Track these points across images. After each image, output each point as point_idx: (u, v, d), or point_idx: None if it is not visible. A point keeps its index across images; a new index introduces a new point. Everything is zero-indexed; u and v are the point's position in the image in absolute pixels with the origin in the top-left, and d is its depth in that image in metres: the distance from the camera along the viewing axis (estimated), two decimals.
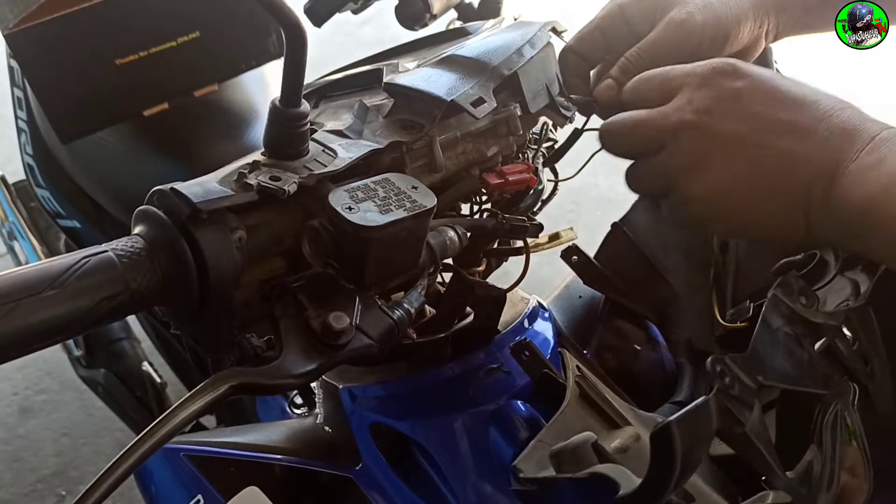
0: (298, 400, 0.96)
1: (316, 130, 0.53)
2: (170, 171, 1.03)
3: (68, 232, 1.24)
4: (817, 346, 0.46)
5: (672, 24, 0.61)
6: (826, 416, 0.47)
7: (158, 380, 1.29)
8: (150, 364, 1.35)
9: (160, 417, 0.40)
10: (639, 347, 0.72)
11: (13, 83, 1.20)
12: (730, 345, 0.67)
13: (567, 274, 0.77)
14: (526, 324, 0.68)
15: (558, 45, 0.64)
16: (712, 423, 0.41)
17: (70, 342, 1.47)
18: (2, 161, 1.83)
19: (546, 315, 0.69)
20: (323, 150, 0.50)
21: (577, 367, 0.55)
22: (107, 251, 0.42)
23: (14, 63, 1.17)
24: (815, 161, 0.48)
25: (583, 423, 0.52)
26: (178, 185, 0.44)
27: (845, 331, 0.49)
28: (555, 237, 0.67)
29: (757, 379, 0.43)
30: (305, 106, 0.48)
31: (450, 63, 0.57)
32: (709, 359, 0.42)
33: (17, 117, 1.23)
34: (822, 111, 0.49)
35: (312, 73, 0.54)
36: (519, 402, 0.61)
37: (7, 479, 1.72)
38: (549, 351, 0.67)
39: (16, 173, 1.50)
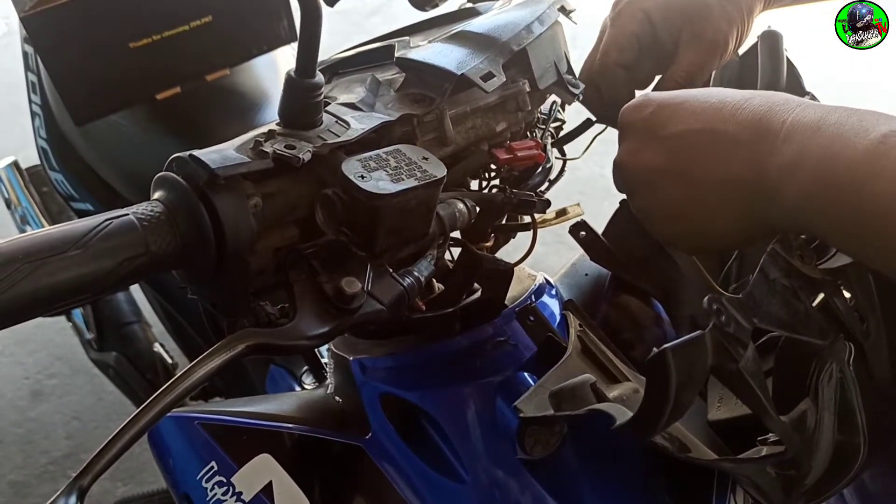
0: (308, 379, 0.98)
1: (329, 103, 0.54)
2: None
3: (81, 215, 1.25)
4: (814, 301, 0.46)
5: (712, 45, 0.64)
6: (822, 373, 0.48)
7: (170, 361, 1.31)
8: (162, 346, 1.36)
9: (181, 372, 0.42)
10: (643, 324, 0.73)
11: (27, 67, 1.22)
12: None
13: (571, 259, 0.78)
14: (533, 299, 0.69)
15: (566, 24, 0.65)
16: (707, 356, 0.42)
17: (81, 325, 1.49)
18: (14, 148, 1.85)
19: (553, 291, 0.70)
20: (336, 122, 0.51)
21: (580, 325, 0.56)
22: (128, 214, 0.44)
23: (29, 47, 1.19)
24: (735, 165, 0.48)
25: (583, 373, 0.53)
26: (197, 152, 0.46)
27: (844, 292, 0.50)
28: (562, 213, 0.68)
29: (752, 321, 0.43)
30: (320, 77, 0.49)
31: (460, 38, 0.58)
32: (706, 297, 0.43)
33: (31, 101, 1.25)
34: (729, 109, 0.48)
35: (319, 58, 0.55)
36: (525, 373, 0.63)
37: (19, 461, 1.74)
38: (555, 326, 0.68)
39: (28, 160, 1.52)
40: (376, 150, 0.50)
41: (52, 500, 0.39)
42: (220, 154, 0.46)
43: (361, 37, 0.68)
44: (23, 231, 1.55)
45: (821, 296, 0.50)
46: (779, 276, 0.45)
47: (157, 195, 0.46)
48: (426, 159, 0.50)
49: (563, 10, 0.63)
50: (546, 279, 0.71)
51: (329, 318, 0.48)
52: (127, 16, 0.96)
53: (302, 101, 0.49)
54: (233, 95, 1.10)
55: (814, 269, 0.47)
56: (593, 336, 0.57)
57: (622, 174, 0.55)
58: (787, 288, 0.45)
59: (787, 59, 0.68)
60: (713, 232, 0.51)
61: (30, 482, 1.71)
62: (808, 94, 0.66)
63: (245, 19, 1.03)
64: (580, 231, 0.69)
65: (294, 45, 1.05)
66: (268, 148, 0.47)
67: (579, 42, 0.98)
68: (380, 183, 0.47)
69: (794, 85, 0.67)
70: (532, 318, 0.60)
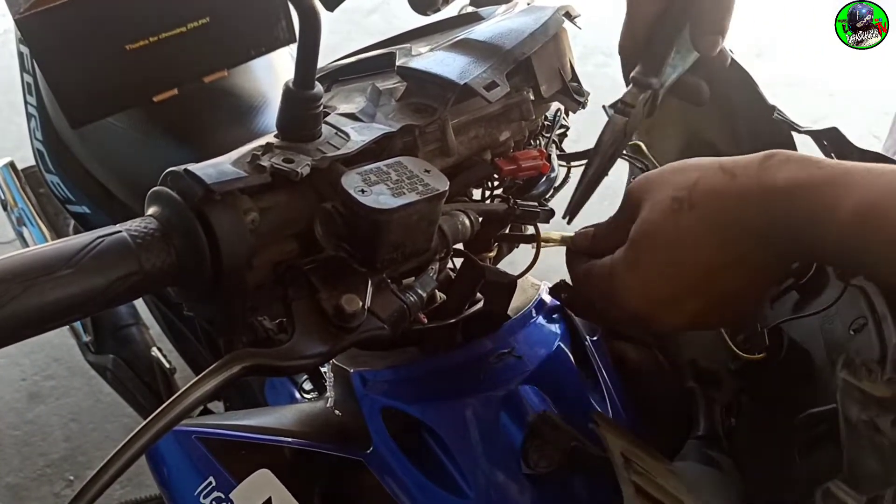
0: (308, 386, 0.96)
1: (329, 113, 0.52)
2: (179, 157, 1.02)
3: (78, 217, 1.24)
4: (890, 421, 0.45)
5: None
6: None
7: (167, 365, 1.30)
8: (160, 349, 1.35)
9: (176, 395, 0.41)
10: (641, 369, 0.71)
11: (23, 69, 1.20)
12: (743, 376, 0.66)
13: None
14: (535, 312, 0.68)
15: (571, 30, 0.63)
16: None
17: (79, 328, 1.47)
18: (11, 148, 1.84)
19: (556, 301, 0.69)
20: (336, 133, 0.50)
21: (623, 454, 0.53)
22: (121, 231, 0.42)
23: (24, 49, 1.17)
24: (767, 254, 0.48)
25: None
26: (192, 167, 0.44)
27: None
28: (569, 239, 0.67)
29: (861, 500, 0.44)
30: (319, 88, 0.48)
31: (463, 47, 0.56)
32: (817, 492, 0.43)
33: (26, 103, 1.23)
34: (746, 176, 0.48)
35: (319, 61, 0.53)
36: (529, 386, 0.61)
37: (16, 464, 1.73)
38: (560, 337, 0.67)
39: (24, 160, 1.51)
40: (377, 162, 0.49)
41: None
42: (216, 168, 0.44)
43: (360, 35, 0.66)
44: (19, 232, 1.54)
45: None
46: (857, 411, 0.45)
47: (150, 211, 0.45)
48: (428, 172, 0.49)
49: (567, 15, 0.62)
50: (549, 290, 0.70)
51: (328, 338, 0.46)
52: (123, 17, 0.95)
53: (300, 113, 0.48)
54: (231, 97, 1.09)
55: (881, 385, 0.46)
56: (640, 465, 0.54)
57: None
58: (869, 424, 0.45)
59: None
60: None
61: (27, 485, 1.69)
62: (773, 107, 0.64)
63: (243, 21, 1.02)
64: (562, 293, 0.65)
65: (292, 47, 1.04)
66: (265, 162, 0.45)
67: (578, 41, 0.97)
68: (380, 197, 0.46)
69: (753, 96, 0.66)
70: (550, 424, 0.59)
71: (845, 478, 0.45)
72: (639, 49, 0.61)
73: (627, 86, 0.61)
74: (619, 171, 0.68)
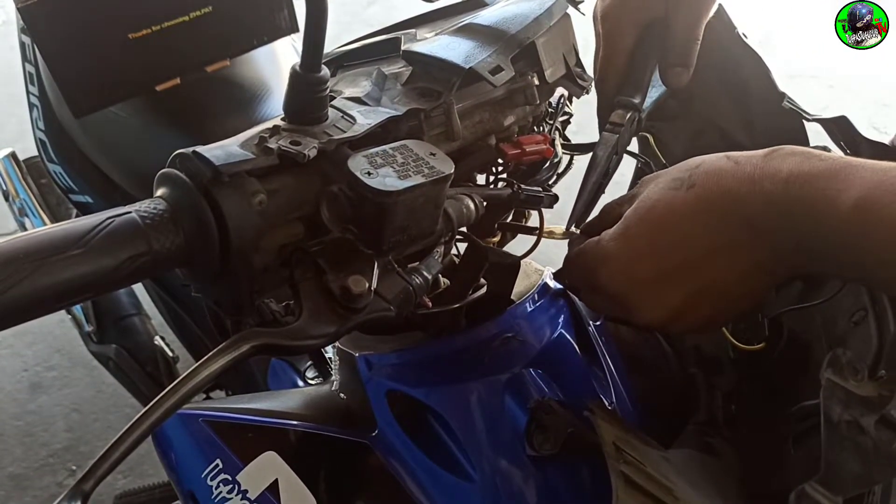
0: (311, 373, 0.97)
1: (335, 97, 0.53)
2: (182, 146, 1.01)
3: (80, 207, 1.24)
4: (874, 420, 0.45)
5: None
6: None
7: (170, 354, 1.30)
8: (162, 338, 1.35)
9: (185, 373, 0.41)
10: (643, 354, 0.71)
11: (25, 58, 1.20)
12: (744, 365, 0.67)
13: None
14: (538, 296, 0.69)
15: (575, 15, 0.63)
16: None
17: (80, 317, 1.48)
18: (12, 139, 1.84)
19: (560, 286, 0.70)
20: (342, 117, 0.50)
21: (615, 443, 0.53)
22: (130, 212, 0.43)
23: (26, 38, 1.17)
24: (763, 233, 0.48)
25: None
26: (200, 148, 0.45)
27: None
28: (571, 234, 0.67)
29: (837, 501, 0.45)
30: (325, 71, 0.48)
31: (468, 31, 0.57)
32: (792, 494, 0.43)
33: (28, 93, 1.23)
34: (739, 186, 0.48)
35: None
36: (533, 370, 0.62)
37: (19, 454, 1.74)
38: (563, 322, 0.67)
39: (26, 151, 1.51)
40: (383, 145, 0.49)
41: None
42: (224, 150, 0.45)
43: (360, 26, 0.66)
44: (21, 223, 1.54)
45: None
46: (840, 411, 0.45)
47: (159, 192, 0.45)
48: (433, 155, 0.49)
49: (571, 1, 0.62)
50: (553, 274, 0.70)
51: (336, 318, 0.47)
52: (126, 6, 0.95)
53: (307, 96, 0.48)
54: (233, 87, 1.09)
55: (866, 384, 0.46)
56: (630, 454, 0.54)
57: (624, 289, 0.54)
58: (852, 424, 0.45)
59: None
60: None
61: (29, 475, 1.70)
62: (783, 95, 0.65)
63: (245, 10, 1.02)
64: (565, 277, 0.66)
65: (294, 37, 1.04)
66: (272, 144, 0.46)
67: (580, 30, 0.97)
68: (386, 179, 0.46)
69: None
70: (548, 410, 0.58)
71: (821, 479, 0.45)
72: (619, 78, 0.65)
73: (601, 124, 0.66)
74: (624, 169, 0.68)
